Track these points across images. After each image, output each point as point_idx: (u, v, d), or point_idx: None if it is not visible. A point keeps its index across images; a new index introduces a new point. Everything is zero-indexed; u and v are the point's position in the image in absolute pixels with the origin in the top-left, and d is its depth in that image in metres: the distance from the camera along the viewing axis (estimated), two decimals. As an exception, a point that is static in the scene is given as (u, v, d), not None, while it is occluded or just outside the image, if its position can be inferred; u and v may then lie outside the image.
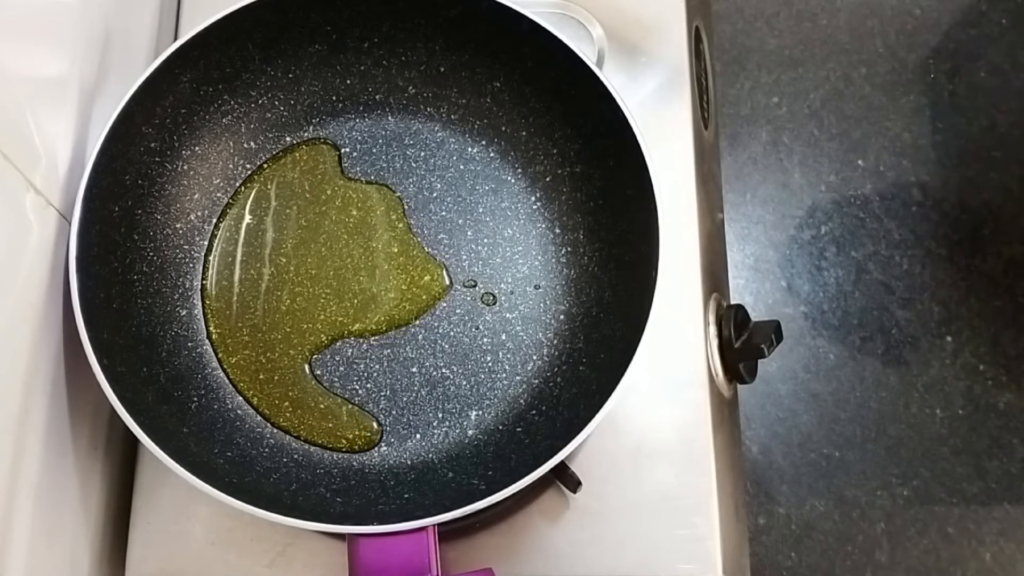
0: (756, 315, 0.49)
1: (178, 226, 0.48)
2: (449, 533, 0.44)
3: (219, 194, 0.49)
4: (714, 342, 0.48)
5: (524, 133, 0.49)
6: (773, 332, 0.46)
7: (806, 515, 0.81)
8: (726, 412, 0.51)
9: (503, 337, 0.47)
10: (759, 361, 0.49)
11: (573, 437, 0.38)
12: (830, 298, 0.89)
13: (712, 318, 0.48)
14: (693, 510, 0.45)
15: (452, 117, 0.50)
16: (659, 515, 0.45)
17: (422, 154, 0.50)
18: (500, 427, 0.45)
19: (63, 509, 0.41)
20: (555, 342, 0.47)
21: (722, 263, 0.57)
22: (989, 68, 0.99)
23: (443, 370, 0.46)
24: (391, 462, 0.45)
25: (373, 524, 0.38)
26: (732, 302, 0.51)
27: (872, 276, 0.89)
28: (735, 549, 0.48)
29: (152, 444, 0.38)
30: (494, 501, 0.38)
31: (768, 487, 0.82)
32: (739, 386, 0.52)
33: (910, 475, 0.83)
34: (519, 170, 0.50)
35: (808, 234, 0.91)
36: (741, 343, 0.47)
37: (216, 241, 0.48)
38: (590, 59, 0.43)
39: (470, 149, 0.50)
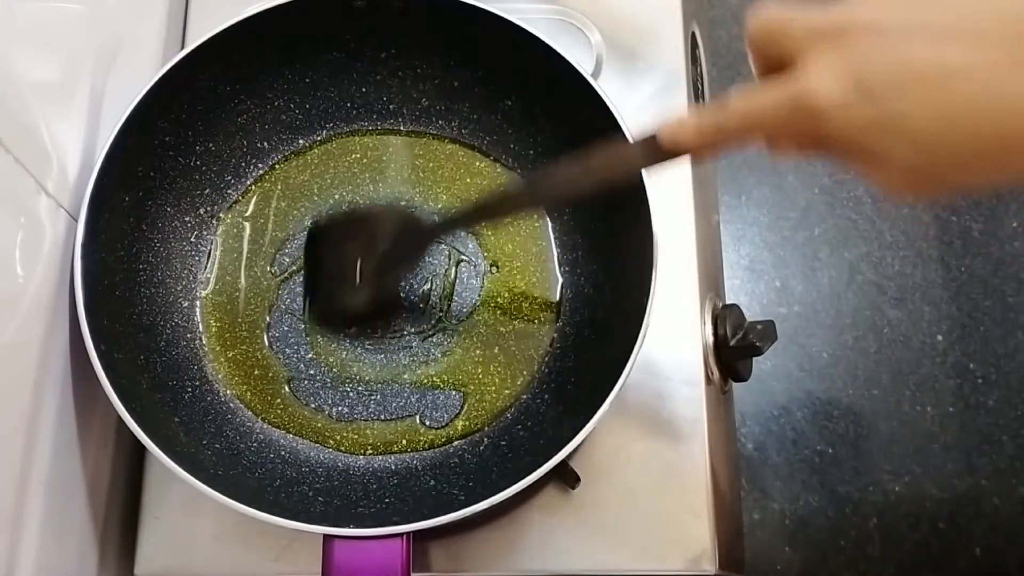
0: (751, 315, 0.50)
1: (187, 219, 0.48)
2: (447, 528, 0.44)
3: (229, 191, 0.50)
4: (710, 341, 0.49)
5: (531, 152, 0.50)
6: (767, 331, 0.47)
7: (800, 510, 0.82)
8: (722, 409, 0.52)
9: (495, 350, 0.47)
10: (754, 360, 0.50)
11: (555, 454, 0.39)
12: (823, 298, 0.89)
13: (708, 318, 0.49)
14: (689, 506, 0.45)
15: (463, 131, 0.51)
16: (656, 511, 0.45)
17: (430, 164, 0.50)
18: (486, 439, 0.46)
19: (73, 505, 0.42)
20: (546, 359, 0.47)
21: (718, 264, 0.57)
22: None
23: (434, 378, 0.47)
24: (376, 464, 0.45)
25: (349, 527, 0.38)
26: (727, 302, 0.52)
27: (864, 276, 0.90)
28: (730, 544, 0.48)
29: (139, 430, 0.38)
30: (470, 513, 0.38)
31: (762, 483, 0.83)
32: (734, 384, 0.53)
33: (902, 471, 0.83)
34: None
35: (802, 235, 0.92)
36: (736, 342, 0.48)
37: (223, 236, 0.49)
38: (606, 92, 0.43)
39: (478, 163, 0.51)
